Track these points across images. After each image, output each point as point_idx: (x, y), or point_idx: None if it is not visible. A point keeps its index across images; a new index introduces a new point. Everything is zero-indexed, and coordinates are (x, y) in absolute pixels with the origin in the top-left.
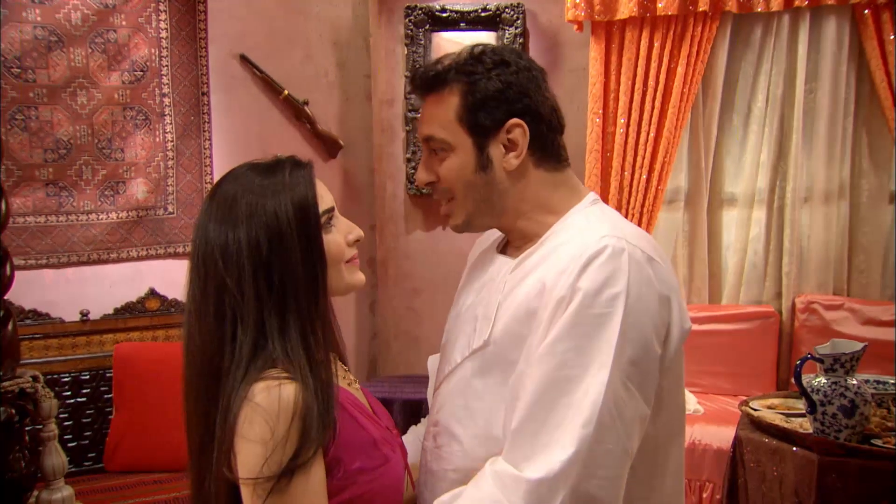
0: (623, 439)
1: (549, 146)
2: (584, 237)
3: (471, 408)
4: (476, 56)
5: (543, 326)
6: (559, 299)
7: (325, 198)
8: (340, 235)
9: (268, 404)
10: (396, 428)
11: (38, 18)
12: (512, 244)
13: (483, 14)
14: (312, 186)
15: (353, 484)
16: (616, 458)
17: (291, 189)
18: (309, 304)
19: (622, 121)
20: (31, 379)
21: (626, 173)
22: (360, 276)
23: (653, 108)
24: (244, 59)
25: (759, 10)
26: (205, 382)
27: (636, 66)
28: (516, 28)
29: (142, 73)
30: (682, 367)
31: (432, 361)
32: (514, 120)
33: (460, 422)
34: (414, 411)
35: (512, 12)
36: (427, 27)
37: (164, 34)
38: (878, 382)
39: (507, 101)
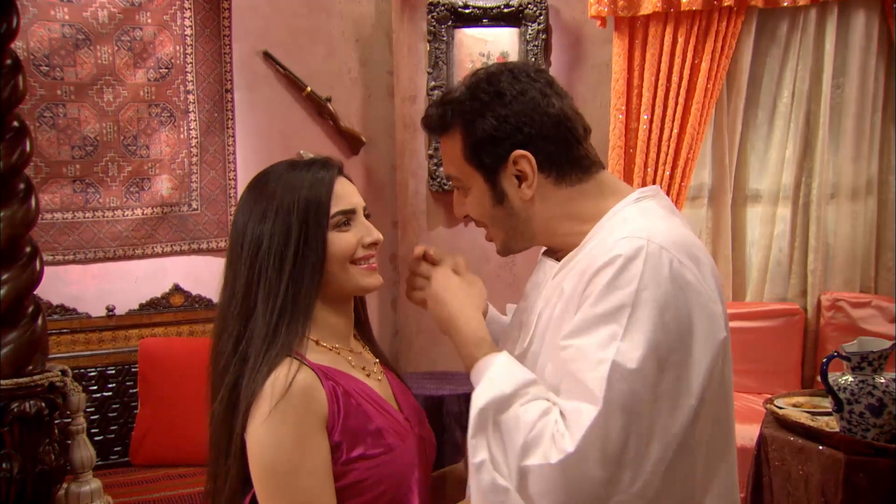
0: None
1: (565, 163)
2: (607, 240)
3: None
4: (471, 90)
5: (563, 328)
6: (574, 302)
7: (346, 199)
8: (354, 236)
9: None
10: (425, 422)
11: (66, 17)
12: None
13: (506, 10)
14: (329, 186)
15: (353, 470)
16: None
17: (309, 187)
18: (294, 295)
19: (645, 117)
20: (59, 373)
21: (649, 170)
22: (370, 280)
23: (676, 104)
24: (267, 56)
25: (786, 4)
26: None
27: (660, 62)
28: (539, 24)
29: (167, 70)
30: (725, 377)
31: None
32: (517, 152)
33: None
34: (436, 407)
35: (535, 8)
36: (449, 23)
37: (188, 31)
38: None
39: (505, 135)
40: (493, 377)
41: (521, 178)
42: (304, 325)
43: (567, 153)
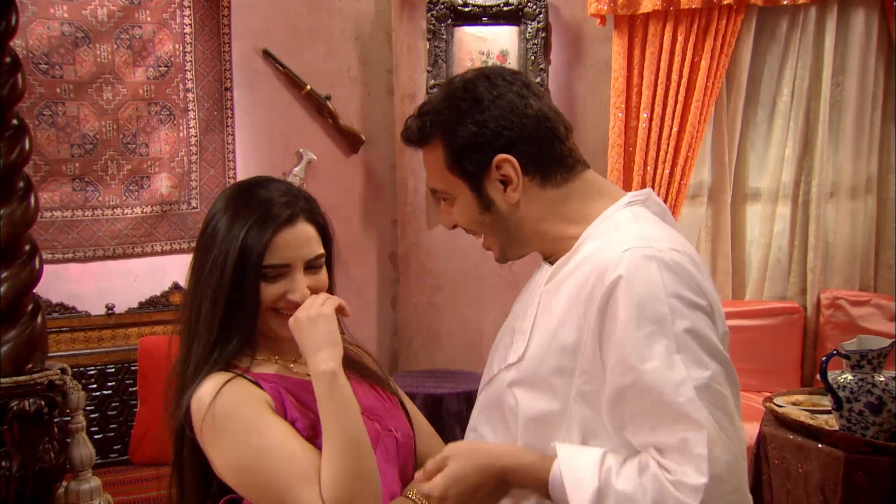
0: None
1: (549, 163)
2: (608, 251)
3: (505, 419)
4: (449, 99)
5: (591, 353)
6: (591, 319)
7: (283, 253)
8: (278, 290)
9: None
10: (396, 418)
11: (66, 15)
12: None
13: (505, 8)
14: (269, 236)
15: None
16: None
17: (247, 233)
18: (228, 330)
19: (645, 115)
20: (59, 371)
21: (648, 168)
22: (286, 333)
23: (676, 102)
24: (267, 55)
25: (785, 2)
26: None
27: (659, 60)
28: (538, 22)
29: (166, 68)
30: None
31: None
32: (500, 156)
33: (495, 432)
34: (436, 406)
35: (534, 6)
36: (449, 22)
37: (188, 30)
38: None
39: (486, 141)
40: (575, 478)
41: (505, 182)
42: (239, 350)
43: (550, 153)
